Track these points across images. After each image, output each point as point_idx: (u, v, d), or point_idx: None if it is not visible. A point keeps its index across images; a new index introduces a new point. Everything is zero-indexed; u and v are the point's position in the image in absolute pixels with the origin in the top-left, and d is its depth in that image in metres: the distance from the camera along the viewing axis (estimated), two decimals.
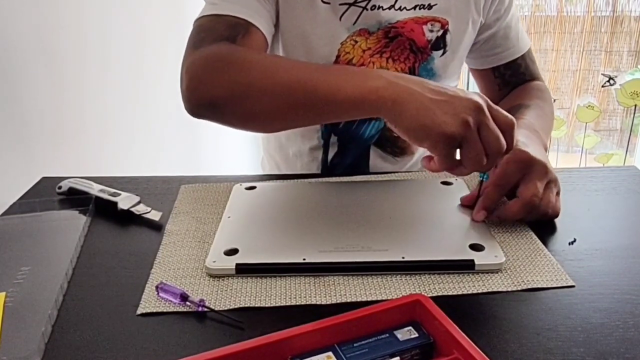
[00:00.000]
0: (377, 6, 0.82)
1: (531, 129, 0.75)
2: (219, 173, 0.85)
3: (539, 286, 0.57)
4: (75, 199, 0.75)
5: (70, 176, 0.79)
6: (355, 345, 0.46)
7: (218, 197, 0.76)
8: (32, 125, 0.94)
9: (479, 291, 0.56)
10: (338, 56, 0.83)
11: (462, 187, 0.75)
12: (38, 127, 0.96)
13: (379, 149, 0.93)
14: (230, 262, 0.59)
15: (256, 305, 0.55)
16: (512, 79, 0.94)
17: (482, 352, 0.43)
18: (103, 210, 0.73)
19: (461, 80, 1.51)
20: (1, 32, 0.86)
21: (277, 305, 0.55)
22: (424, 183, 0.79)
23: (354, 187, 0.77)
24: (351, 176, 0.82)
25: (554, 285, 0.57)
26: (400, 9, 0.83)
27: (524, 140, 0.68)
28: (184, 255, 0.63)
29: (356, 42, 0.83)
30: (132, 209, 0.71)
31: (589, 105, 2.91)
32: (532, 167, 0.65)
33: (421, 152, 0.96)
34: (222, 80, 0.66)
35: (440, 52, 0.87)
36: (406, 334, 0.47)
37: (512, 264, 0.60)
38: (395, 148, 0.93)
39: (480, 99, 0.58)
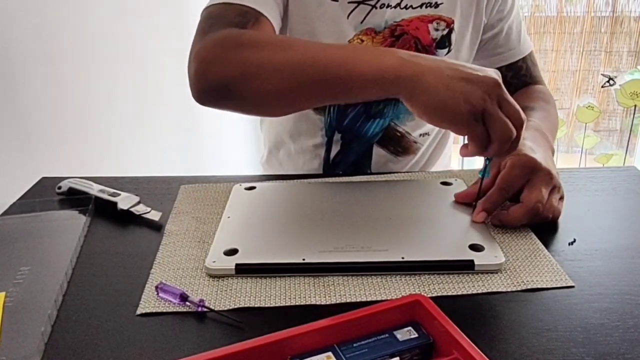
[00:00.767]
0: (385, 4, 0.82)
1: (539, 131, 0.75)
2: (219, 173, 0.85)
3: (539, 286, 0.57)
4: (75, 199, 0.75)
5: (70, 176, 0.79)
6: (355, 345, 0.46)
7: (218, 197, 0.76)
8: (32, 126, 0.94)
9: (479, 291, 0.56)
10: None
11: (461, 187, 0.75)
12: (38, 127, 0.96)
13: (382, 148, 0.93)
14: (230, 262, 0.59)
15: (256, 306, 0.55)
16: (513, 81, 0.94)
17: (481, 352, 0.43)
18: (103, 211, 0.73)
19: None
20: (1, 32, 0.86)
21: (276, 305, 0.55)
22: (424, 183, 0.79)
23: (354, 187, 0.77)
24: (351, 176, 0.82)
25: (554, 286, 0.57)
26: (406, 7, 0.83)
27: (531, 144, 0.68)
28: (184, 256, 0.63)
29: (362, 41, 0.83)
30: (131, 209, 0.71)
31: (589, 106, 2.91)
32: (537, 173, 0.65)
33: (422, 151, 0.96)
34: (233, 60, 0.63)
35: (445, 50, 0.87)
36: (406, 334, 0.47)
37: (511, 265, 0.60)
38: (398, 147, 0.93)
39: (496, 75, 0.59)
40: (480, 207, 0.66)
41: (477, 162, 1.07)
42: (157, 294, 0.56)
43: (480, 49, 0.93)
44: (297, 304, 0.55)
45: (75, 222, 0.70)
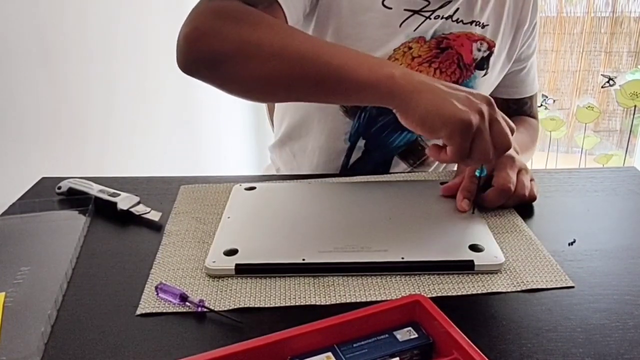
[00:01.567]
0: (440, 16, 0.82)
1: None
2: (219, 173, 0.85)
3: (539, 287, 0.57)
4: (74, 199, 0.75)
5: (70, 176, 0.79)
6: (354, 345, 0.46)
7: (218, 197, 0.76)
8: (31, 126, 0.94)
9: (479, 292, 0.56)
10: None
11: None
12: (38, 127, 0.96)
13: (402, 160, 0.93)
14: (230, 263, 0.59)
15: (256, 306, 0.54)
16: (514, 112, 0.98)
17: (481, 353, 0.43)
18: (103, 211, 0.73)
19: None
20: (1, 32, 0.86)
21: (276, 305, 0.55)
22: (424, 184, 0.79)
23: (354, 187, 0.77)
24: (350, 177, 0.82)
25: (554, 286, 0.57)
26: (457, 21, 0.83)
27: None
28: (184, 256, 0.63)
29: (410, 48, 0.82)
30: (131, 209, 0.71)
31: (589, 106, 2.91)
32: (501, 159, 0.69)
33: (437, 163, 0.96)
34: (230, 34, 0.61)
35: (483, 72, 0.88)
36: (406, 334, 0.47)
37: (511, 265, 0.60)
38: (417, 161, 0.93)
39: (489, 97, 0.61)
40: (461, 196, 0.69)
41: None
42: (157, 294, 0.56)
43: (503, 78, 0.94)
44: (297, 304, 0.55)
45: (75, 222, 0.70)
